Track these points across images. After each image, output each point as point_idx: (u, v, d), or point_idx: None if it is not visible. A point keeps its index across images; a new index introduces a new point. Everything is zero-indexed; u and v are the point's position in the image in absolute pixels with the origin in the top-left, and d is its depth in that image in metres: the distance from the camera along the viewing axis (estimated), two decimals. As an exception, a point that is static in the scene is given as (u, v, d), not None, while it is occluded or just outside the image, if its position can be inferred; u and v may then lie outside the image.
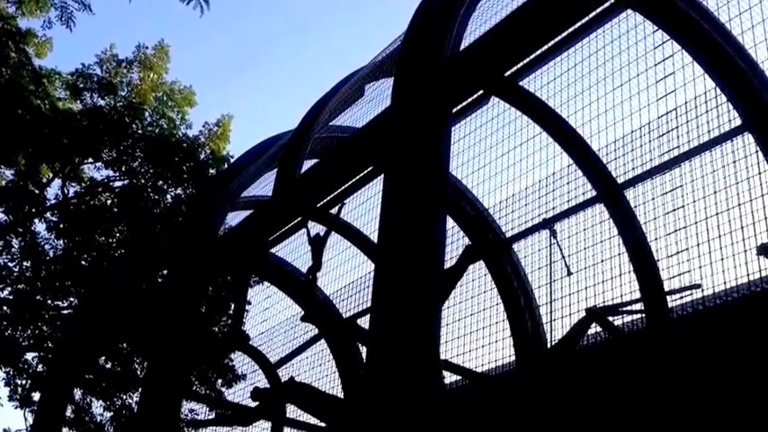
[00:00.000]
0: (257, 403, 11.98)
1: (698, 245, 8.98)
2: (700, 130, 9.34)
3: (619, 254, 10.01)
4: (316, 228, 12.23)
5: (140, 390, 15.88)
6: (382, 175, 9.50)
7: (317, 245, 11.24)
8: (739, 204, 8.74)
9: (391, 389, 7.37)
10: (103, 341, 17.70)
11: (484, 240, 11.55)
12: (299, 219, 11.58)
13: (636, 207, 10.24)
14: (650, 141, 9.71)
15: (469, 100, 9.36)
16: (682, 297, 9.25)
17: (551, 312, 10.17)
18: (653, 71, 9.20)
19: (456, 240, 11.36)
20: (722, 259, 8.73)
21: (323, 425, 11.77)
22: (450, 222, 11.21)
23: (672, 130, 9.41)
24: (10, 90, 20.02)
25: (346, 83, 12.49)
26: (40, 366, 22.74)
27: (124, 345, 21.13)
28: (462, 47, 9.40)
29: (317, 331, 13.36)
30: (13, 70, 20.37)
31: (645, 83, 9.28)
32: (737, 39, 9.09)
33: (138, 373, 21.69)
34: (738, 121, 9.27)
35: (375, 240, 9.30)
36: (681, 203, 9.32)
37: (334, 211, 11.27)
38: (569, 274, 10.16)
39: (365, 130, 10.71)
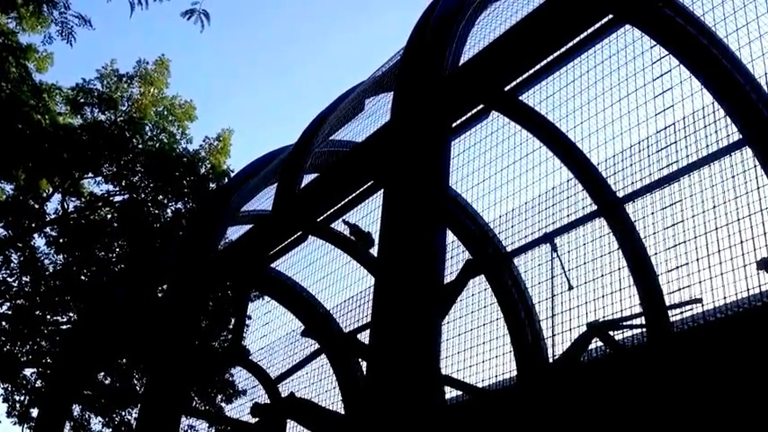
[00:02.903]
0: (257, 419, 11.94)
1: (697, 259, 8.96)
2: (698, 145, 9.34)
3: (619, 268, 9.99)
4: (315, 242, 12.24)
5: (139, 405, 15.85)
6: (382, 190, 9.51)
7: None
8: (739, 219, 8.73)
9: (392, 404, 7.36)
10: (103, 356, 17.66)
11: (484, 255, 11.54)
12: (299, 233, 11.58)
13: (636, 221, 10.24)
14: (649, 156, 9.71)
15: (469, 114, 9.38)
16: (682, 312, 9.23)
17: (552, 327, 10.16)
18: (651, 86, 9.22)
19: (456, 255, 11.35)
20: (722, 274, 8.71)
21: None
22: (450, 236, 11.20)
23: (671, 144, 9.41)
24: (10, 105, 20.08)
25: (346, 97, 12.51)
26: (38, 382, 22.71)
27: (123, 360, 21.09)
28: (461, 62, 9.43)
29: (317, 346, 13.32)
30: (14, 85, 20.43)
31: (644, 97, 9.29)
32: (735, 54, 9.12)
33: (138, 388, 21.64)
34: (737, 136, 9.27)
35: (375, 255, 9.30)
36: (681, 218, 9.31)
37: (338, 228, 11.27)
38: (570, 288, 10.14)
39: (365, 144, 10.73)
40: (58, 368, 18.24)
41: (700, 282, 8.86)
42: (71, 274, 22.31)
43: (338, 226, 11.46)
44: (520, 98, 10.05)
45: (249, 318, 15.87)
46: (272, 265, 13.35)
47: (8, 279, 22.27)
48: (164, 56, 24.66)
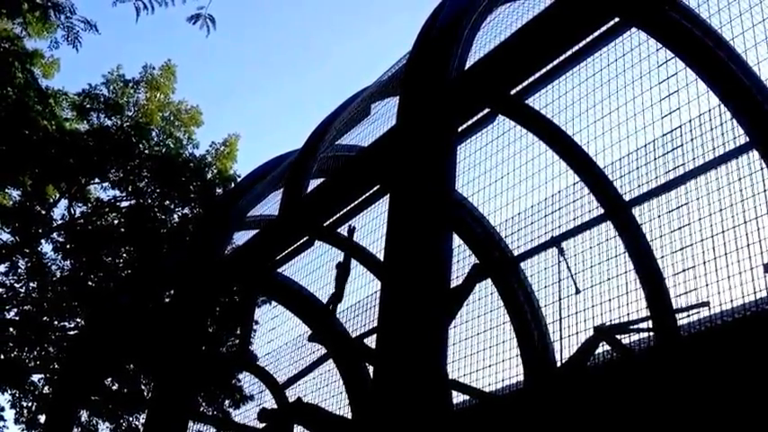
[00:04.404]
0: (265, 424, 11.94)
1: (705, 262, 8.95)
2: (705, 148, 9.33)
3: (626, 271, 9.98)
4: (322, 247, 12.22)
5: (147, 411, 15.85)
6: (388, 194, 9.51)
7: (341, 273, 11.18)
8: (746, 222, 8.72)
9: (399, 409, 7.35)
10: (110, 362, 17.67)
11: (491, 259, 11.53)
12: (305, 238, 11.58)
13: (643, 224, 10.22)
14: (656, 159, 9.70)
15: (475, 118, 9.38)
16: (689, 315, 9.21)
17: (560, 330, 10.14)
18: (657, 89, 9.21)
19: (463, 259, 11.34)
20: (729, 277, 8.70)
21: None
22: (456, 241, 11.19)
23: (677, 147, 9.40)
24: (17, 110, 20.10)
25: (352, 102, 12.51)
26: (46, 388, 22.73)
27: (130, 365, 21.10)
28: (467, 66, 9.42)
29: (324, 351, 13.32)
30: (20, 90, 20.44)
31: (650, 100, 9.28)
32: (741, 56, 9.10)
33: (145, 393, 21.65)
34: (744, 139, 9.26)
35: (382, 259, 9.30)
36: (687, 221, 9.30)
37: (344, 232, 11.26)
38: (577, 292, 10.12)
39: (371, 149, 10.73)
40: (65, 374, 18.25)
41: (707, 285, 8.85)
42: (78, 279, 22.32)
43: (344, 231, 11.46)
44: (526, 102, 10.05)
45: (256, 323, 15.89)
46: (279, 270, 13.35)
47: (15, 285, 22.30)
48: (170, 61, 24.68)
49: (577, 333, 9.79)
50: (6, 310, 22.03)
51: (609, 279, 9.97)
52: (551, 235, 10.66)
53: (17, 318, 22.19)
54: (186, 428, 12.72)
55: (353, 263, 12.09)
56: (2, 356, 21.94)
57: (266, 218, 13.90)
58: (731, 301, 8.58)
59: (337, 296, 11.20)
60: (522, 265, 11.53)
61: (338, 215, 10.99)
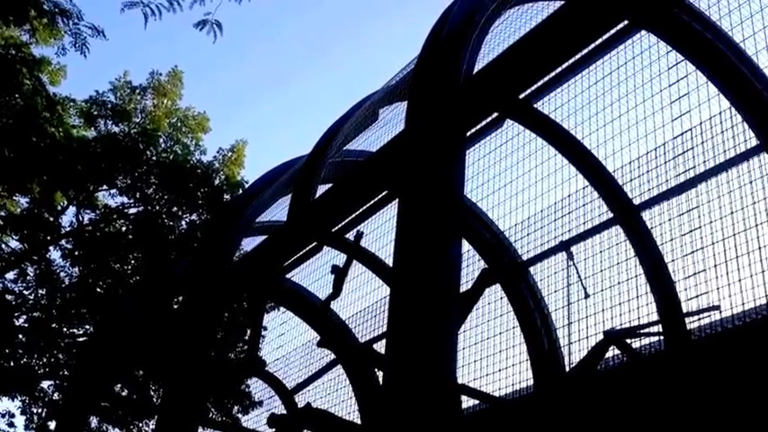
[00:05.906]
0: (274, 430, 11.91)
1: (715, 266, 8.91)
2: (716, 151, 9.29)
3: (636, 276, 9.94)
4: (330, 252, 12.20)
5: (156, 417, 15.85)
6: (397, 200, 9.49)
7: (340, 275, 11.22)
8: (757, 225, 8.68)
9: (409, 415, 7.32)
10: (119, 368, 17.67)
11: (500, 263, 11.50)
12: (314, 244, 11.56)
13: (653, 228, 10.18)
14: (666, 162, 9.67)
15: (484, 123, 9.36)
16: (700, 319, 9.18)
17: (569, 335, 10.11)
18: (668, 91, 9.18)
19: (472, 264, 11.31)
20: (740, 280, 8.66)
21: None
22: (465, 246, 11.16)
23: (688, 150, 9.36)
24: (24, 117, 20.13)
25: (360, 107, 12.49)
26: (56, 394, 22.76)
27: (140, 371, 21.11)
28: (476, 70, 9.40)
29: (333, 356, 13.29)
30: (28, 98, 20.48)
31: (660, 103, 9.25)
32: (752, 59, 9.07)
33: (154, 399, 21.66)
34: (754, 141, 9.22)
35: (390, 265, 9.27)
36: (698, 224, 9.26)
37: (351, 237, 11.25)
38: (586, 296, 10.09)
39: (379, 154, 10.71)
40: (74, 380, 18.27)
41: (718, 288, 8.81)
42: (87, 286, 22.35)
43: (352, 236, 11.44)
44: (535, 106, 10.02)
45: (265, 329, 15.86)
46: (287, 276, 13.33)
47: (24, 292, 22.36)
48: (176, 67, 24.73)
49: (587, 337, 9.76)
50: (16, 317, 22.06)
51: (619, 283, 9.93)
52: (560, 239, 10.63)
53: (26, 324, 22.23)
54: (195, 435, 12.70)
55: (362, 268, 12.09)
56: (12, 363, 21.98)
57: (274, 224, 13.88)
58: (742, 304, 8.55)
59: (334, 295, 11.27)
60: (531, 269, 11.50)
61: (347, 221, 10.97)
